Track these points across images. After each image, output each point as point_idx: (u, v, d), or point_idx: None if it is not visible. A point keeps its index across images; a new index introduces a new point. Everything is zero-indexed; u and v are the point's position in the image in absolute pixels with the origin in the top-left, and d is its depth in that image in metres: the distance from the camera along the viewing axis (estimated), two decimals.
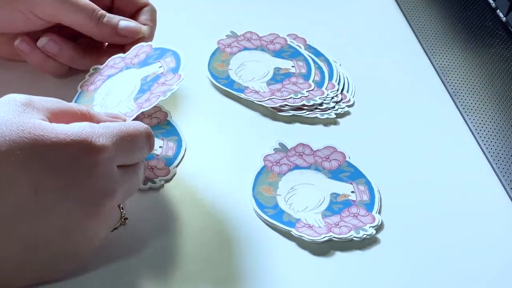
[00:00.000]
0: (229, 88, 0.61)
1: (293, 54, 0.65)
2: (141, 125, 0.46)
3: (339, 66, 0.64)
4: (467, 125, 0.60)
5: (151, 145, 0.47)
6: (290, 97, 0.60)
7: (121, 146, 0.44)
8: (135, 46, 0.56)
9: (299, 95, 0.60)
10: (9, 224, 0.41)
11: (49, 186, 0.41)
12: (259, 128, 0.59)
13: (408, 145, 0.58)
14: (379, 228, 0.51)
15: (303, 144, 0.56)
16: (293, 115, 0.59)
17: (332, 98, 0.61)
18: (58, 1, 0.55)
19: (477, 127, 0.59)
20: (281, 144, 0.56)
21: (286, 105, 0.60)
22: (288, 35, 0.67)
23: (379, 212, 0.52)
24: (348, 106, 0.61)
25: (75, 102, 0.55)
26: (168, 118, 0.57)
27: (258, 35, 0.66)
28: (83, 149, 0.41)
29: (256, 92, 0.61)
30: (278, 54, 0.65)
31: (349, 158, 0.56)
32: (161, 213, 0.51)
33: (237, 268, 0.48)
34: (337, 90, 0.62)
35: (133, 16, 0.60)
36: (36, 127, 0.41)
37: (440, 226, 0.52)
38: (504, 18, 0.69)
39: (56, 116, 0.44)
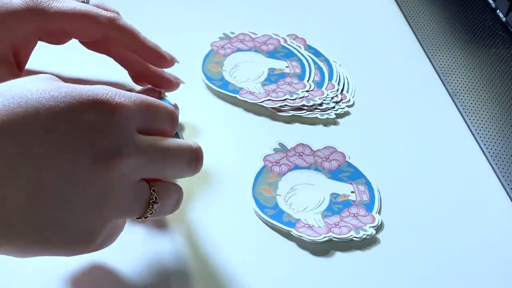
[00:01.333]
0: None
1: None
2: (165, 103, 0.45)
3: (339, 66, 0.64)
4: (467, 125, 0.60)
5: (174, 122, 0.45)
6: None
7: (141, 106, 0.43)
8: (264, 34, 0.62)
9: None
10: (17, 163, 0.39)
11: (61, 129, 0.40)
12: (259, 128, 0.59)
13: (408, 145, 0.58)
14: (379, 228, 0.51)
15: (303, 144, 0.56)
16: (293, 115, 0.59)
17: (332, 98, 0.61)
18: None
19: (477, 127, 0.59)
20: (281, 144, 0.56)
21: (286, 105, 0.60)
22: (288, 35, 0.67)
23: (379, 212, 0.52)
24: (348, 106, 0.61)
25: (205, 59, 0.63)
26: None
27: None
28: (101, 103, 0.41)
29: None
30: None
31: (349, 158, 0.56)
32: None
33: (237, 268, 0.48)
34: (337, 90, 0.62)
35: None
36: (60, 81, 0.41)
37: (440, 226, 0.52)
38: (504, 18, 0.69)
39: None
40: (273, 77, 0.62)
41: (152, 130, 0.44)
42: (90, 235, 0.42)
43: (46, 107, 0.40)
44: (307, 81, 0.62)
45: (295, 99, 0.60)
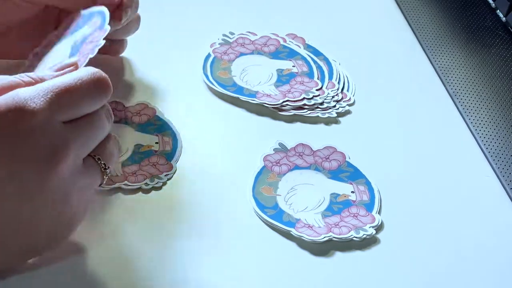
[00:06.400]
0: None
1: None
2: (85, 73, 0.44)
3: (338, 65, 0.64)
4: (467, 125, 0.60)
5: (103, 90, 0.45)
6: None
7: (59, 103, 0.42)
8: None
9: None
10: None
11: None
12: (259, 128, 0.58)
13: (408, 145, 0.58)
14: (379, 228, 0.51)
15: (303, 144, 0.56)
16: (294, 114, 0.59)
17: (333, 97, 0.61)
18: None
19: (477, 127, 0.59)
20: (281, 144, 0.56)
21: (288, 104, 0.59)
22: (287, 35, 0.66)
23: (379, 212, 0.52)
24: (349, 105, 0.61)
25: (206, 62, 0.60)
26: (157, 114, 0.57)
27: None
28: (16, 116, 0.41)
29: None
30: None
31: (349, 158, 0.56)
32: (160, 213, 0.51)
33: (237, 268, 0.48)
34: (337, 89, 0.62)
35: None
36: None
37: (440, 226, 0.52)
38: (504, 18, 0.69)
39: None
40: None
41: (80, 115, 0.44)
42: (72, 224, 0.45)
43: None
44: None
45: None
